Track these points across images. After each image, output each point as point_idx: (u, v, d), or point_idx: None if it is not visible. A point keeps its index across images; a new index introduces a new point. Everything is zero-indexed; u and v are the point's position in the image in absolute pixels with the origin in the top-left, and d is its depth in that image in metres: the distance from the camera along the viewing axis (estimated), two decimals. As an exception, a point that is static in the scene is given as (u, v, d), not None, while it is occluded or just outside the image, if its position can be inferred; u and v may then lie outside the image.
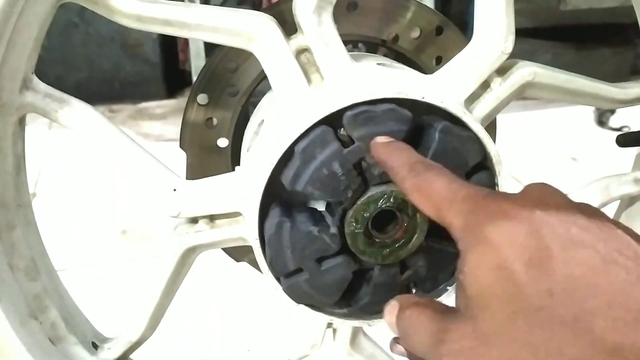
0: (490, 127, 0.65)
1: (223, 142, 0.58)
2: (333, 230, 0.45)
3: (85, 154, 1.80)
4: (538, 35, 2.05)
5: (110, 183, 1.60)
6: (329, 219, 0.45)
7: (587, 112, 1.88)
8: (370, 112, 0.43)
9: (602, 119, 1.85)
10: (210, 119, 0.57)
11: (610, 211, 0.64)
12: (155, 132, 2.04)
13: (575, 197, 0.56)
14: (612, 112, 1.90)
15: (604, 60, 1.92)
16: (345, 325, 0.55)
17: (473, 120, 0.47)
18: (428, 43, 0.62)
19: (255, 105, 0.57)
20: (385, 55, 0.64)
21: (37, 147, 2.01)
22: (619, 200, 0.62)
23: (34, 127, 2.45)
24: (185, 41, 2.33)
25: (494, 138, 0.66)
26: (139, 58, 2.38)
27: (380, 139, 0.43)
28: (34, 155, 2.01)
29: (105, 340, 0.54)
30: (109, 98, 2.34)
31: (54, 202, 1.61)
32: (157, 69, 2.38)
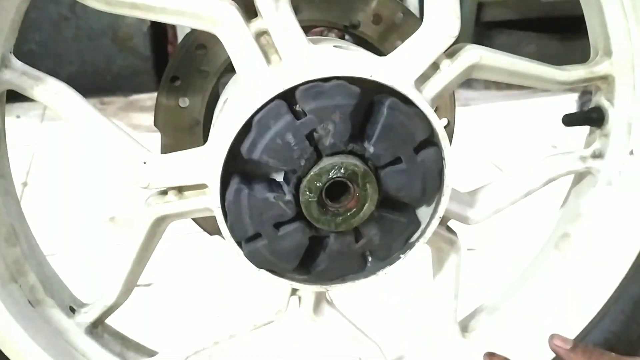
0: (450, 107, 0.69)
1: (195, 121, 0.62)
2: (288, 197, 0.49)
3: (74, 146, 1.83)
4: (522, 27, 2.09)
5: (98, 172, 1.64)
6: (285, 187, 0.49)
7: (569, 102, 1.91)
8: (320, 87, 0.47)
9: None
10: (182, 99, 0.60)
11: (563, 189, 0.69)
12: (146, 123, 2.08)
13: (524, 173, 0.61)
14: (594, 101, 1.93)
15: (587, 50, 1.96)
16: (307, 292, 0.59)
17: (420, 97, 0.50)
18: (390, 31, 0.66)
19: (224, 86, 0.61)
20: (349, 41, 0.67)
21: (29, 138, 2.05)
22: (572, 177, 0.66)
23: (27, 120, 2.46)
24: (174, 34, 2.36)
25: (453, 117, 0.69)
26: (129, 51, 2.41)
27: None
28: (26, 146, 2.06)
29: (82, 305, 0.58)
30: (101, 91, 2.37)
31: (45, 191, 1.64)
32: (148, 62, 2.41)
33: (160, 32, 2.43)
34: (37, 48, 2.35)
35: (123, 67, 2.42)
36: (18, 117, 2.22)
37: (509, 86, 2.14)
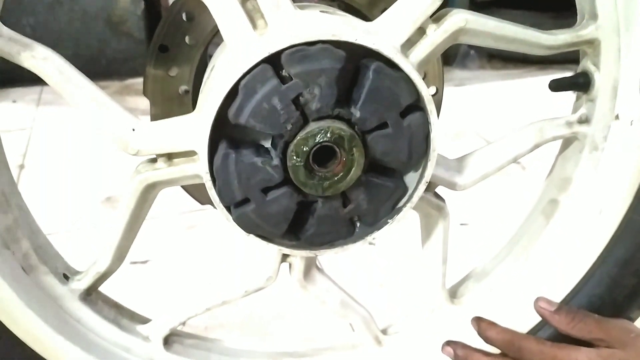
0: (438, 75, 0.69)
1: (184, 90, 0.62)
2: (275, 162, 0.49)
3: (70, 129, 1.84)
4: (516, 5, 2.09)
5: (93, 154, 1.65)
6: (272, 152, 0.50)
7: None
8: (306, 51, 0.47)
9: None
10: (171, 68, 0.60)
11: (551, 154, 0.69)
12: (141, 106, 2.08)
13: (511, 138, 0.61)
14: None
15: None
16: (297, 259, 0.60)
17: (406, 62, 0.51)
18: (379, -2, 0.66)
19: (212, 54, 0.61)
20: (339, 7, 0.67)
21: (25, 122, 2.06)
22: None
23: (23, 104, 2.47)
24: (170, 16, 2.35)
25: (442, 85, 0.69)
26: (124, 35, 2.39)
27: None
28: (22, 130, 2.06)
29: (75, 272, 0.59)
30: (96, 75, 2.31)
31: (41, 173, 1.65)
32: (142, 46, 2.40)
33: (154, 15, 2.41)
34: (31, 32, 2.33)
35: (118, 50, 2.41)
36: (14, 101, 2.22)
37: (504, 66, 2.14)
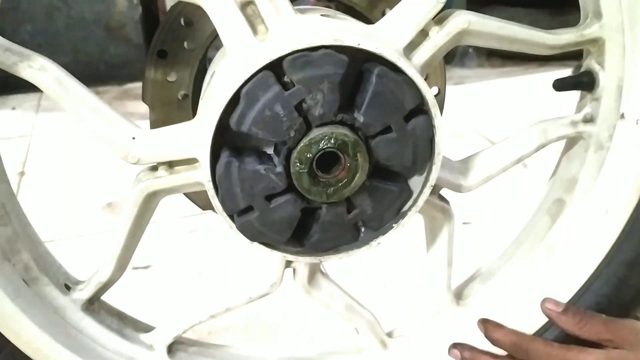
0: (440, 76, 0.68)
1: (183, 96, 0.61)
2: (279, 169, 0.49)
3: (70, 135, 1.83)
4: (515, 2, 2.09)
5: (94, 160, 1.64)
6: (275, 159, 0.49)
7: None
8: (308, 56, 0.47)
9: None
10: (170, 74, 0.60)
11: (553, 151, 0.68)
12: (140, 111, 2.07)
13: (515, 139, 0.61)
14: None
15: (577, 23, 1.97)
16: (301, 264, 0.59)
17: (408, 65, 0.50)
18: (379, -1, 0.65)
19: (212, 59, 0.60)
20: (338, 9, 0.67)
21: (25, 130, 2.05)
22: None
23: (22, 111, 2.46)
24: (167, 20, 2.35)
25: (444, 86, 0.69)
26: (122, 40, 2.39)
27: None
28: (22, 137, 2.05)
29: (77, 282, 0.58)
30: (95, 80, 2.34)
31: (42, 179, 1.64)
32: (141, 50, 2.39)
33: (152, 20, 2.41)
34: (29, 39, 2.33)
35: (116, 55, 2.41)
36: (13, 108, 2.22)
37: (503, 64, 2.14)
